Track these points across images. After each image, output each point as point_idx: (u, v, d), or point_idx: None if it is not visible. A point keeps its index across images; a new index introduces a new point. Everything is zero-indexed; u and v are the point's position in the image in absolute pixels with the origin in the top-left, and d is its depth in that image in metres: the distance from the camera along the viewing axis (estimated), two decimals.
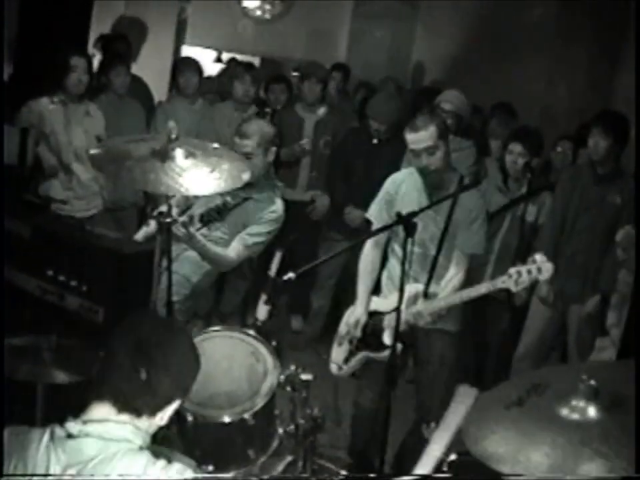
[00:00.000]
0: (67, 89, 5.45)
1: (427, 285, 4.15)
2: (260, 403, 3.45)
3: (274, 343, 3.77)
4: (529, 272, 3.70)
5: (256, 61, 8.30)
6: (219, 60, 9.25)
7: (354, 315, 4.30)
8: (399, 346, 3.93)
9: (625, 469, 2.06)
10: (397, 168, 5.74)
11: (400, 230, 4.10)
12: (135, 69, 7.06)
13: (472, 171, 5.80)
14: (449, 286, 4.13)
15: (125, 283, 3.90)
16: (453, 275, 4.16)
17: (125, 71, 6.39)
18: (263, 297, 3.40)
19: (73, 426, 2.11)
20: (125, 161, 3.48)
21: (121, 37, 7.31)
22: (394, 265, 4.30)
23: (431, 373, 4.30)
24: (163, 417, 2.23)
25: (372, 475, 3.33)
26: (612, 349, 4.63)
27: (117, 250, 4.05)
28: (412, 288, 4.09)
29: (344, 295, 6.59)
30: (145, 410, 2.17)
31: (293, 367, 3.61)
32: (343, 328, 4.39)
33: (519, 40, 7.68)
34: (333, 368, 4.33)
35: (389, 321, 4.14)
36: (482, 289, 3.95)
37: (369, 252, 4.39)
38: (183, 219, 4.05)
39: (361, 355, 4.30)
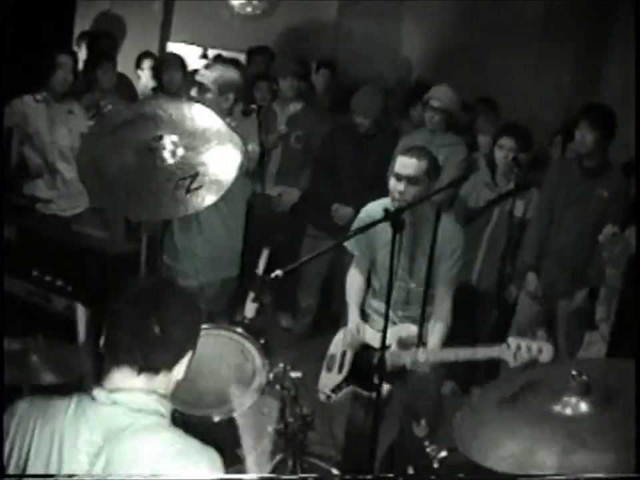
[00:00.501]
0: (52, 87, 5.41)
1: (421, 325, 3.99)
2: (249, 401, 3.43)
3: (262, 341, 3.75)
4: (529, 349, 3.49)
5: (242, 57, 8.24)
6: (204, 56, 9.20)
7: (351, 327, 4.21)
8: (387, 387, 3.90)
9: (612, 460, 2.08)
10: (385, 163, 5.74)
11: (377, 266, 4.15)
12: (120, 66, 7.03)
13: (462, 166, 5.80)
14: (438, 326, 4.06)
15: (111, 283, 3.87)
16: (440, 312, 4.09)
17: (112, 68, 6.36)
18: (251, 295, 3.38)
19: (99, 393, 2.11)
20: (107, 164, 3.41)
21: (106, 34, 7.28)
22: (381, 300, 4.21)
23: (422, 380, 4.19)
24: (180, 371, 2.24)
25: (368, 477, 3.30)
26: (601, 344, 4.63)
27: (102, 250, 4.03)
28: (402, 329, 4.04)
29: (331, 293, 6.60)
30: (164, 366, 2.17)
31: (281, 365, 3.59)
32: (333, 348, 4.29)
33: (506, 35, 7.67)
34: (321, 397, 4.17)
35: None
36: (478, 353, 3.78)
37: (354, 274, 4.36)
38: None
39: (350, 388, 4.17)
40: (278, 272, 3.35)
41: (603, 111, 5.16)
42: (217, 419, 3.37)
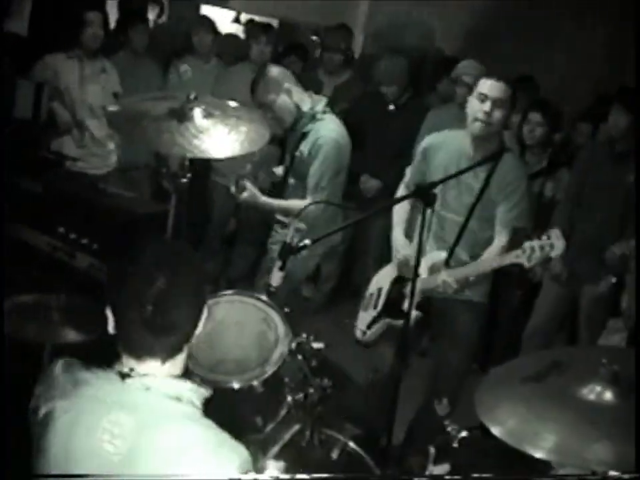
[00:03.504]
0: (82, 44, 5.40)
1: (451, 252, 4.11)
2: (270, 370, 3.42)
3: (286, 310, 3.73)
4: (542, 248, 3.63)
5: (274, 23, 8.18)
6: (237, 20, 9.14)
7: (402, 254, 4.24)
8: (417, 314, 3.95)
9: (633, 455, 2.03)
10: (413, 136, 5.68)
11: (442, 194, 4.07)
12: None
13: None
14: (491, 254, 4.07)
15: (137, 244, 3.85)
16: (494, 247, 4.09)
17: (145, 29, 6.33)
18: (278, 263, 3.35)
19: (132, 379, 2.06)
20: (140, 120, 3.40)
21: None
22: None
23: (451, 348, 4.25)
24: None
25: (372, 478, 3.30)
26: (624, 332, 4.58)
27: (129, 210, 4.02)
28: (435, 255, 4.11)
29: (353, 262, 6.59)
30: (180, 333, 2.12)
31: (304, 335, 3.56)
32: (372, 287, 4.40)
33: (538, 12, 7.57)
34: (357, 333, 4.34)
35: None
36: (495, 261, 3.91)
37: (401, 205, 4.38)
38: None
39: (383, 321, 4.29)
40: (307, 241, 3.33)
41: (637, 94, 5.09)
42: (236, 386, 3.35)
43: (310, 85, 6.42)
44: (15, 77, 5.06)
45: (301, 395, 3.49)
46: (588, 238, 5.17)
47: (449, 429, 2.98)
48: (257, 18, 8.52)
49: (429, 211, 3.37)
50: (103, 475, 1.96)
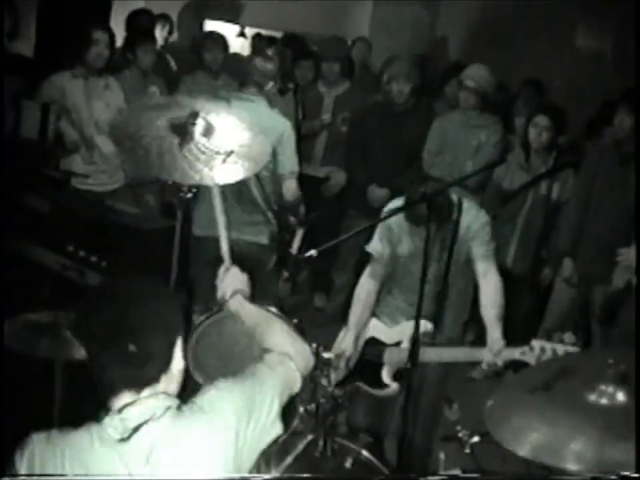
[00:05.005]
0: (87, 63, 5.42)
1: (436, 322, 3.87)
2: None
3: (295, 321, 3.73)
4: (554, 352, 3.39)
5: (278, 36, 8.21)
6: (242, 35, 9.17)
7: (343, 344, 3.96)
8: (396, 386, 3.85)
9: None
10: (420, 143, 5.68)
11: (401, 270, 3.99)
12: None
13: (498, 147, 5.74)
14: (492, 315, 3.80)
15: (145, 260, 3.87)
16: (489, 294, 3.89)
17: (152, 47, 6.35)
18: (284, 274, 3.36)
19: (113, 424, 2.02)
20: (142, 137, 3.37)
21: (145, 12, 7.27)
22: (395, 296, 4.11)
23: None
24: (176, 362, 2.15)
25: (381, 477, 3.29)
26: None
27: (137, 226, 4.03)
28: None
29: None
30: (160, 370, 2.09)
31: (314, 345, 3.56)
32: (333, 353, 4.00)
33: (544, 15, 7.57)
34: (322, 395, 3.67)
35: (389, 356, 3.93)
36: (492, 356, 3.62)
37: (365, 282, 4.08)
38: None
39: (355, 385, 4.00)
40: (312, 251, 3.32)
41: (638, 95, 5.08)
42: None
43: (312, 96, 6.50)
44: (22, 98, 5.09)
45: (312, 405, 3.50)
46: (598, 239, 5.16)
47: (460, 434, 2.97)
48: (262, 32, 8.55)
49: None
50: (104, 475, 1.98)
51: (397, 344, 3.91)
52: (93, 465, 1.99)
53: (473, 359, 3.78)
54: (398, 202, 3.95)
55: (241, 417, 2.12)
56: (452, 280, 3.92)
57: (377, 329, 4.08)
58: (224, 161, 3.24)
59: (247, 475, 2.03)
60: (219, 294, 2.68)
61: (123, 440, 2.00)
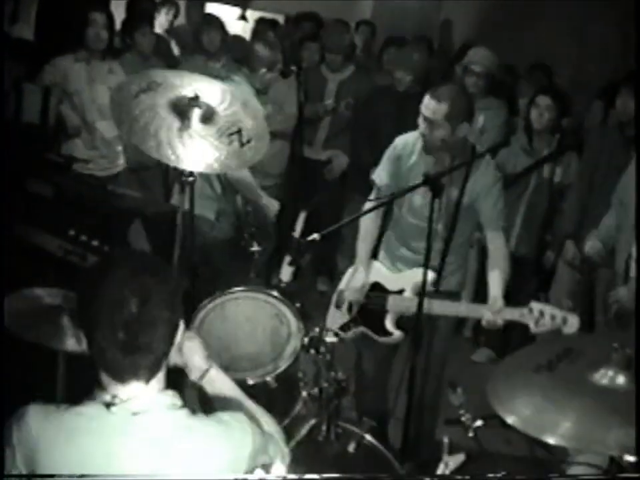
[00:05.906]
0: (86, 45, 5.38)
1: (439, 271, 3.86)
2: (283, 365, 3.42)
3: (298, 305, 3.73)
4: (553, 318, 3.39)
5: (280, 19, 8.17)
6: (243, 18, 9.13)
7: (359, 280, 4.05)
8: (399, 333, 3.88)
9: None
10: None
11: (408, 199, 3.99)
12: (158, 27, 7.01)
13: (502, 130, 5.72)
14: (496, 275, 3.81)
15: (148, 244, 3.86)
16: (496, 258, 3.89)
17: (150, 30, 6.33)
18: (287, 259, 3.34)
19: (118, 409, 2.00)
20: (142, 113, 3.32)
21: None
22: (390, 236, 4.17)
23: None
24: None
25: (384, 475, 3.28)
26: None
27: (139, 210, 4.02)
28: (419, 274, 3.58)
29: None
30: (161, 357, 2.06)
31: (317, 329, 3.56)
32: (345, 287, 4.15)
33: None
34: (329, 334, 3.63)
35: (392, 304, 3.94)
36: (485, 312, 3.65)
37: (365, 218, 4.12)
38: None
39: (361, 329, 4.05)
40: (315, 235, 3.31)
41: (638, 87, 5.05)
42: (251, 382, 3.36)
43: (315, 81, 6.47)
44: (23, 81, 5.08)
45: (315, 390, 3.49)
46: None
47: (463, 418, 2.96)
48: (266, 15, 8.50)
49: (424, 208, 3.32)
50: (103, 475, 1.95)
51: (400, 292, 3.92)
52: (89, 444, 1.98)
53: (474, 314, 3.88)
54: None
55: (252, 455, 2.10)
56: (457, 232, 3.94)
57: (381, 273, 4.10)
58: (241, 140, 3.25)
59: (247, 475, 2.02)
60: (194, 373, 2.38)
61: (121, 422, 1.99)
